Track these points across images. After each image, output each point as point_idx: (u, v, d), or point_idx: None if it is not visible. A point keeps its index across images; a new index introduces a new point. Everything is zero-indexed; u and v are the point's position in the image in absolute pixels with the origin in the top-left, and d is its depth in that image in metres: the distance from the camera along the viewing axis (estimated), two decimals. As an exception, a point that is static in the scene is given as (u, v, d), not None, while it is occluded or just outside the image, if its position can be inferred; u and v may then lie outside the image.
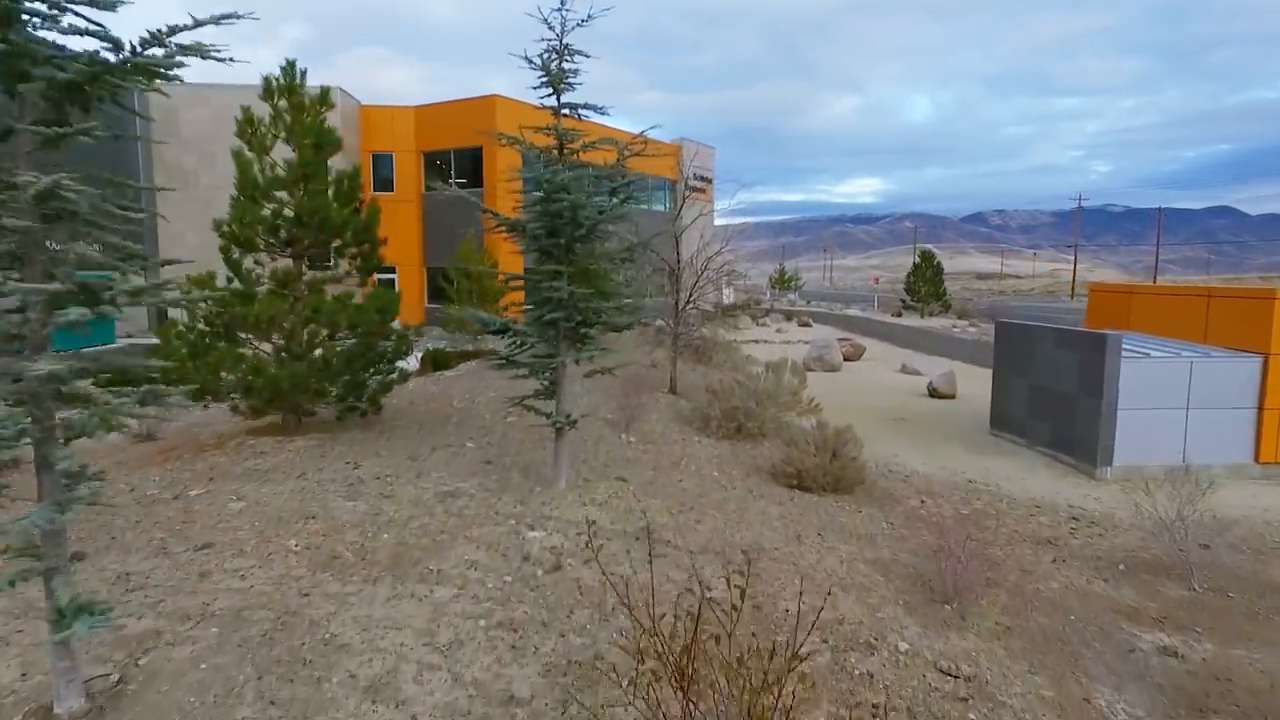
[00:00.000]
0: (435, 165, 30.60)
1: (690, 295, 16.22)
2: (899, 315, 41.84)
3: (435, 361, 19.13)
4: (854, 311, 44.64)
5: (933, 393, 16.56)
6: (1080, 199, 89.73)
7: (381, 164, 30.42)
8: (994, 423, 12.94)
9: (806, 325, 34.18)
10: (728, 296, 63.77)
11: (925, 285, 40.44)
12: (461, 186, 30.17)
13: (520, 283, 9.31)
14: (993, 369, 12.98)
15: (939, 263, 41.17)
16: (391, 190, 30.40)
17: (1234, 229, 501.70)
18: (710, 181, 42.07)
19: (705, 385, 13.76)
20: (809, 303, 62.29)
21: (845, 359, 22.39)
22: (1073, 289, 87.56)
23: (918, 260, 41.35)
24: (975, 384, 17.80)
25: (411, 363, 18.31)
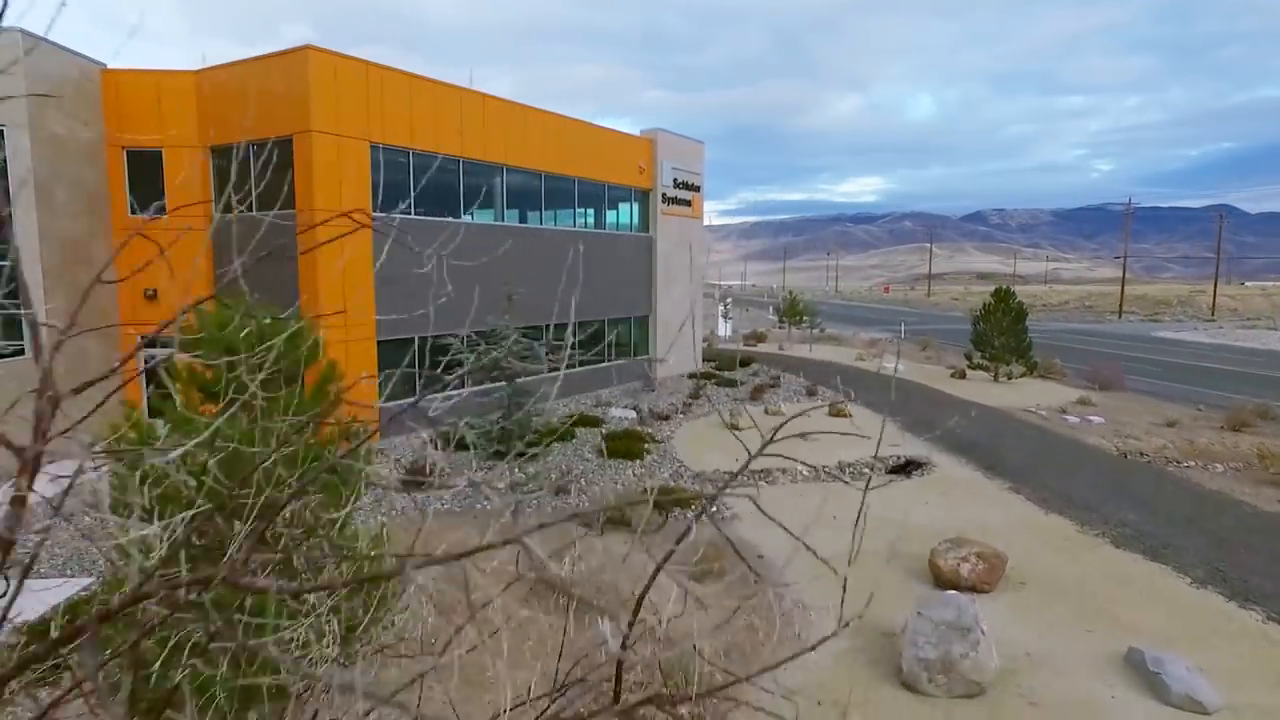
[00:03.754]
0: (231, 167, 17.95)
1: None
2: (962, 376, 29.06)
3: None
4: (897, 366, 31.84)
5: None
6: (1130, 203, 76.46)
7: (145, 167, 17.74)
8: None
9: (842, 414, 21.44)
10: (726, 329, 50.86)
11: (1001, 335, 27.64)
12: (261, 203, 17.47)
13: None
14: None
15: (1019, 302, 28.31)
16: (162, 213, 17.68)
17: (1234, 227, 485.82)
18: (698, 189, 29.26)
19: None
20: (823, 330, 49.35)
21: (976, 587, 9.86)
22: (1120, 305, 74.26)
23: (989, 300, 28.51)
24: None
25: None
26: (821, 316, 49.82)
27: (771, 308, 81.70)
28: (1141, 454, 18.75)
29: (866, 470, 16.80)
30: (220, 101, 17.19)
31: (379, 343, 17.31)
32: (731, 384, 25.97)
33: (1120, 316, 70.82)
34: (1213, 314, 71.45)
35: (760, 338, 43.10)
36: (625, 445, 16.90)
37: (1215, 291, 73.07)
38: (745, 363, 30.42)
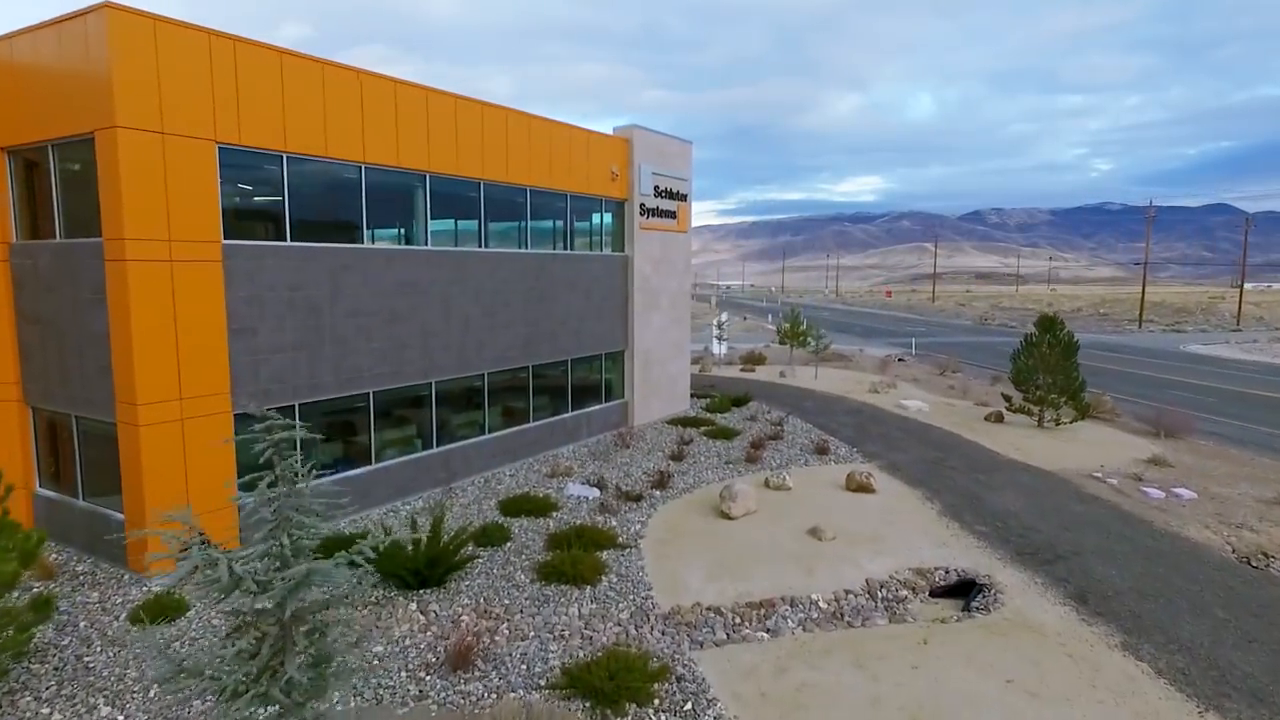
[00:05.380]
0: (35, 176, 13.03)
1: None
2: (999, 419, 24.20)
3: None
4: (915, 402, 26.99)
5: None
6: (1151, 205, 71.50)
7: (-79, 177, 12.84)
8: None
9: (865, 488, 16.62)
10: (721, 348, 45.95)
11: (1048, 372, 22.79)
12: (74, 226, 12.61)
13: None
14: None
15: (1069, 333, 23.46)
16: (-56, 236, 12.80)
17: (1232, 226, 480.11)
18: (685, 198, 24.38)
19: None
20: (829, 346, 44.30)
21: None
22: (1140, 313, 69.38)
23: (1033, 331, 23.65)
24: None
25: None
26: (823, 326, 44.87)
27: (770, 316, 76.62)
28: (1266, 555, 13.94)
29: (907, 594, 11.98)
30: (15, 85, 12.32)
31: (237, 417, 12.43)
32: (724, 434, 21.13)
33: (1141, 326, 65.98)
34: (1238, 323, 66.62)
35: (759, 360, 38.21)
36: (573, 561, 12.05)
37: (1241, 300, 68.16)
38: (741, 401, 25.57)
